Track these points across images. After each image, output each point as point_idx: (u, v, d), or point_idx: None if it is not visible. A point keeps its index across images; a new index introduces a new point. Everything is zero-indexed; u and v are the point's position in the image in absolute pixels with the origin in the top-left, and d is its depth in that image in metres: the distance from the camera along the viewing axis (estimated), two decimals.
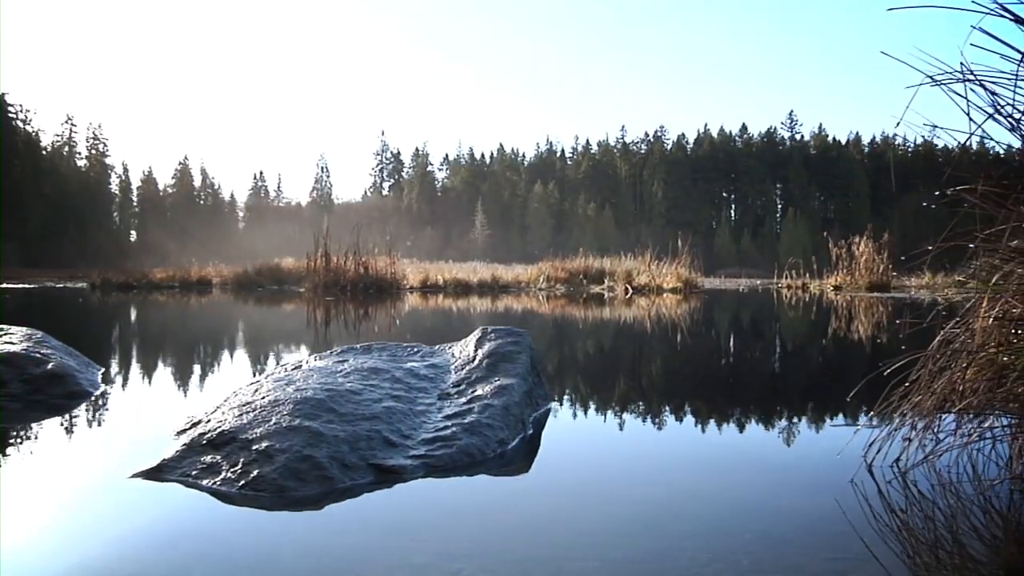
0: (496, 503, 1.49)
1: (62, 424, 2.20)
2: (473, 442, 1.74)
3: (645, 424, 2.33)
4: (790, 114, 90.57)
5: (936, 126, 1.69)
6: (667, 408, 2.64)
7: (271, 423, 1.61)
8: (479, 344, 2.35)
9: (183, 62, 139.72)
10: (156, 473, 1.55)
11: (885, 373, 2.00)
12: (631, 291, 14.41)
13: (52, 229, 49.89)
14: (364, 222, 15.40)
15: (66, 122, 65.20)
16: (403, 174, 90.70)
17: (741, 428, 2.28)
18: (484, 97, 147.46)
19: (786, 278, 18.67)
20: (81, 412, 2.35)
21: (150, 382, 3.11)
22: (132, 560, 1.16)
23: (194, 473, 1.52)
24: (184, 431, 1.88)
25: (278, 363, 3.49)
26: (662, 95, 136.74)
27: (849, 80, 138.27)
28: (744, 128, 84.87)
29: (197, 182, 76.62)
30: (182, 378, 3.25)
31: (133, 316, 7.90)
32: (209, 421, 1.73)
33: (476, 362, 2.23)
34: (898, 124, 1.61)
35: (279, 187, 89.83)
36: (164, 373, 3.38)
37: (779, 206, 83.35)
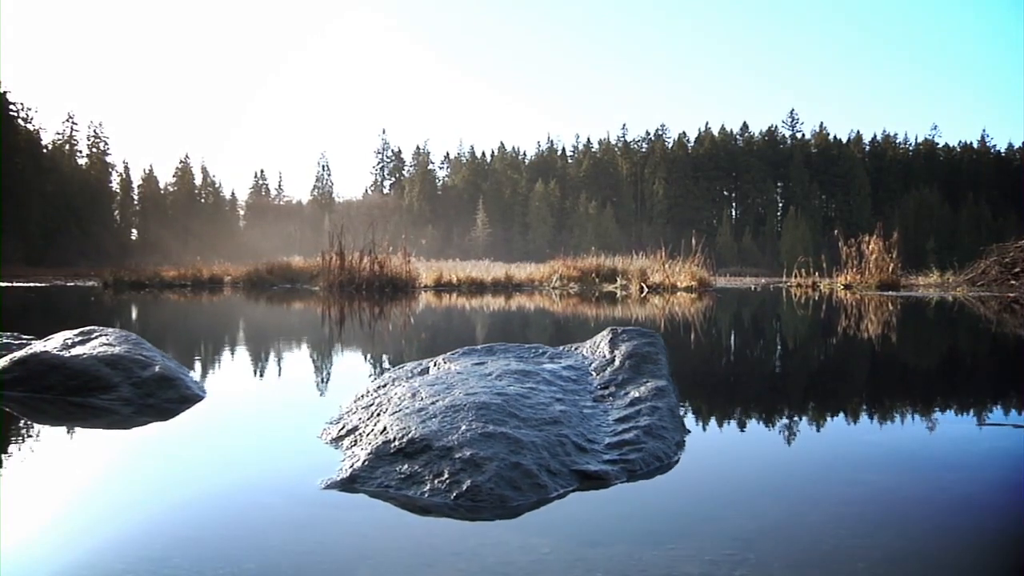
0: (719, 506, 1.42)
1: (196, 431, 2.12)
2: (658, 445, 1.67)
3: (789, 423, 2.24)
4: (791, 113, 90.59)
5: None
6: (805, 406, 2.53)
7: (463, 429, 1.54)
8: (614, 345, 2.28)
9: (184, 61, 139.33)
10: (350, 484, 1.46)
11: None
12: (646, 289, 14.35)
13: (54, 228, 49.67)
14: (371, 221, 15.33)
15: (67, 120, 64.94)
16: (404, 172, 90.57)
17: (888, 425, 2.19)
18: (485, 95, 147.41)
19: (795, 276, 18.64)
20: (206, 417, 2.26)
21: (253, 385, 3.00)
22: None
23: (394, 484, 1.44)
24: (341, 437, 1.81)
25: (393, 364, 3.42)
26: (663, 93, 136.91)
27: (849, 79, 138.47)
28: (745, 127, 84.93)
29: (198, 180, 76.37)
30: (282, 379, 3.16)
31: (165, 315, 7.80)
32: (385, 429, 1.65)
33: (617, 363, 2.16)
34: None
35: (280, 185, 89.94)
36: (258, 375, 3.27)
37: (780, 205, 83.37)
